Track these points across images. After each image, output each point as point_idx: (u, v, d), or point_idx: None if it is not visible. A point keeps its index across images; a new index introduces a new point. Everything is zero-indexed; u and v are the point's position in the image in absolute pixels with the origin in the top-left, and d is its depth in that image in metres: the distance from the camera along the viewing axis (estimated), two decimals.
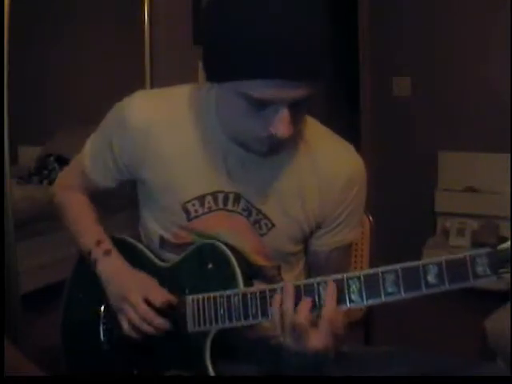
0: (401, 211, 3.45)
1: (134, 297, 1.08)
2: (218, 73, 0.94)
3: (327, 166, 1.09)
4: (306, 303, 0.93)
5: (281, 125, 0.92)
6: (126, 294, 1.09)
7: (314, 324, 0.93)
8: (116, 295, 1.12)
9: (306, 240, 1.16)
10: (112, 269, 1.14)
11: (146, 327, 1.07)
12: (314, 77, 0.91)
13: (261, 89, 0.89)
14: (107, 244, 1.18)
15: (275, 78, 0.87)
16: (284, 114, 0.92)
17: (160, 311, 1.07)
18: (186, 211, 1.12)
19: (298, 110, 0.94)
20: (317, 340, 0.92)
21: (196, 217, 1.12)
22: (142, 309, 1.07)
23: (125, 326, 1.10)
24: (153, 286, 1.10)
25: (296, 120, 0.95)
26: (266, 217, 1.10)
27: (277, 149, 1.00)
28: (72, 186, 1.28)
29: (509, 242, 0.83)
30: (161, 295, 1.08)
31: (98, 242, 1.17)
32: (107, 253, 1.16)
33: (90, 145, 1.21)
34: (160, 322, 1.07)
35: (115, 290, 1.12)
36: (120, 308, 1.11)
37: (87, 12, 3.27)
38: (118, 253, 1.17)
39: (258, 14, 0.86)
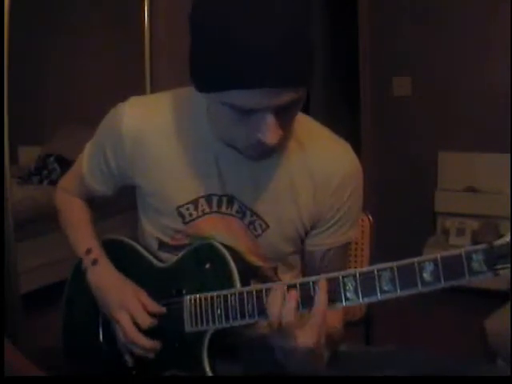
0: (401, 211, 3.45)
1: (120, 316, 1.08)
2: (200, 84, 0.93)
3: (321, 166, 1.09)
4: (291, 300, 0.93)
5: (268, 131, 0.91)
6: (112, 312, 1.10)
7: (304, 321, 0.93)
8: (104, 308, 1.14)
9: (302, 240, 1.15)
10: (98, 280, 1.15)
11: (133, 348, 1.09)
12: (297, 84, 0.89)
13: (244, 98, 0.88)
14: (96, 253, 1.18)
15: (256, 87, 0.86)
16: (270, 120, 0.90)
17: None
18: (181, 215, 1.12)
19: (285, 114, 0.92)
20: (306, 336, 0.92)
21: (191, 220, 1.12)
22: (128, 331, 1.07)
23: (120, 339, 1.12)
24: (138, 303, 1.09)
25: (285, 124, 0.94)
26: (260, 218, 1.10)
27: (268, 153, 0.99)
28: (71, 190, 1.29)
29: (505, 238, 0.83)
30: (146, 314, 1.08)
31: (88, 251, 1.18)
32: (94, 262, 1.16)
33: (87, 152, 1.21)
34: (145, 343, 1.07)
35: (102, 303, 1.14)
36: (112, 320, 1.12)
37: (87, 12, 3.28)
38: (107, 261, 1.17)
39: (235, 25, 0.84)
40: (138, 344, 1.07)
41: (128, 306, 1.09)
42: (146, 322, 1.08)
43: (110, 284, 1.14)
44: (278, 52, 0.84)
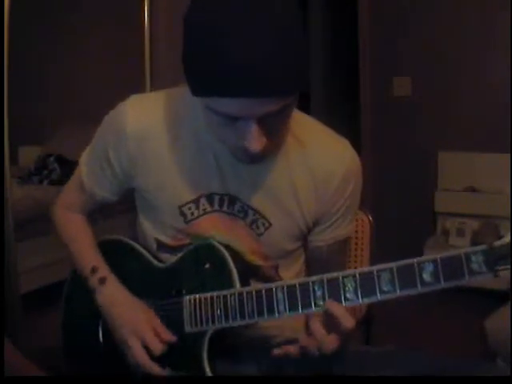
0: (401, 211, 3.45)
1: (132, 341, 1.07)
2: (189, 87, 0.93)
3: (321, 164, 1.09)
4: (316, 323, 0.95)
5: (251, 139, 0.91)
6: (124, 336, 1.08)
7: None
8: (114, 330, 1.11)
9: (304, 237, 1.16)
10: (109, 301, 1.13)
11: (144, 371, 1.07)
12: (281, 95, 0.88)
13: (226, 106, 0.88)
14: (102, 270, 1.16)
15: (239, 97, 0.86)
16: (253, 128, 0.90)
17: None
18: (183, 214, 1.12)
19: (272, 121, 0.91)
20: (347, 321, 0.94)
21: (192, 219, 1.12)
22: (140, 358, 1.06)
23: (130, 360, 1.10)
24: (150, 329, 1.08)
25: (273, 131, 0.93)
26: (262, 216, 1.10)
27: (258, 158, 0.98)
28: (70, 206, 1.26)
29: (504, 239, 0.83)
30: (158, 341, 1.07)
31: (94, 270, 1.15)
32: (102, 281, 1.14)
33: (86, 159, 1.20)
34: (156, 370, 1.06)
35: (113, 325, 1.12)
36: (121, 343, 1.10)
37: (87, 12, 3.28)
38: (115, 279, 1.15)
39: (221, 35, 0.83)
40: (149, 371, 1.06)
41: (141, 333, 1.07)
42: (158, 349, 1.06)
43: (121, 306, 1.12)
44: (262, 63, 0.83)
